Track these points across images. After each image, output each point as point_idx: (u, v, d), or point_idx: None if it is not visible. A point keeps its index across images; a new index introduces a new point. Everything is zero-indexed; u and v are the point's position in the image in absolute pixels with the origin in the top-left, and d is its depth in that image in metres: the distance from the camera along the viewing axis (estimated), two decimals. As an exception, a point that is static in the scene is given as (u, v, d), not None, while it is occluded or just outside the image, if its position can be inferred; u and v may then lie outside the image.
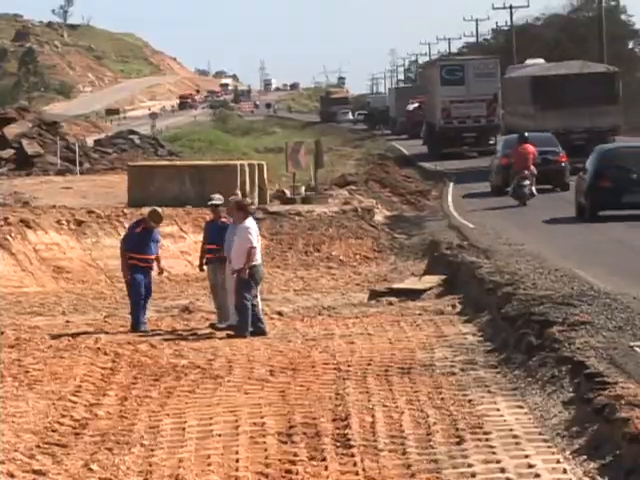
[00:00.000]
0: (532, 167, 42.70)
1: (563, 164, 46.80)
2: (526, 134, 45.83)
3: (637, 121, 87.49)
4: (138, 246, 22.00)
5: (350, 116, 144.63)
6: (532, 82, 61.37)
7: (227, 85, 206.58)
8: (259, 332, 20.84)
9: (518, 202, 42.07)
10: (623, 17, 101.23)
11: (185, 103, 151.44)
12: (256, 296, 21.31)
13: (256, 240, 21.37)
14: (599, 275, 23.00)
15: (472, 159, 66.82)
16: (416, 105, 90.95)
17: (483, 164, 56.12)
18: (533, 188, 42.35)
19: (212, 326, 21.62)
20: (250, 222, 21.52)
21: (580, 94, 56.56)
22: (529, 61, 75.59)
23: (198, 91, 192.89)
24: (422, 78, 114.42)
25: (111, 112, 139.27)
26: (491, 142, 60.03)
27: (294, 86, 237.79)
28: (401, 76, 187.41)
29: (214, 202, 22.44)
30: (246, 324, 20.86)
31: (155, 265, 22.30)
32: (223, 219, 22.02)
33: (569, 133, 52.41)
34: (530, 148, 43.75)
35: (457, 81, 70.87)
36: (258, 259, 21.30)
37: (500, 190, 45.71)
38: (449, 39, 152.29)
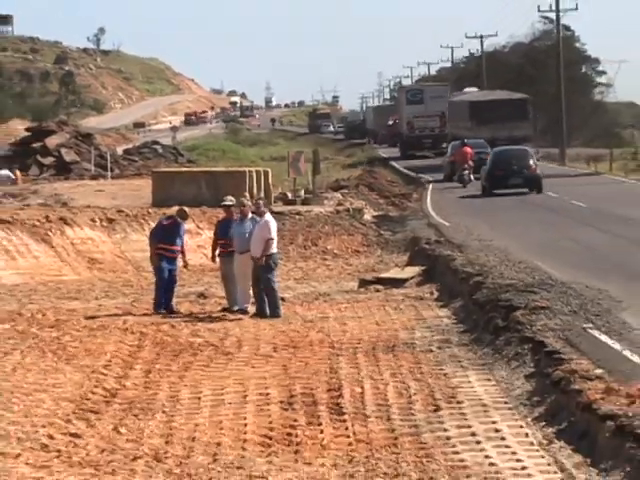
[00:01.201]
0: (470, 162, 52.40)
1: (533, 162, 50.08)
2: (466, 140, 56.09)
3: (591, 135, 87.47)
4: (165, 237, 21.97)
5: (331, 128, 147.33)
6: (470, 105, 72.09)
7: (236, 103, 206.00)
8: (263, 315, 20.86)
9: (462, 185, 51.78)
10: (577, 45, 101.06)
11: (190, 120, 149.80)
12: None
13: (274, 232, 21.43)
14: (562, 269, 22.98)
15: (430, 159, 74.42)
16: (394, 121, 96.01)
17: (436, 162, 65.82)
18: (471, 176, 51.77)
19: (224, 310, 21.60)
20: (269, 217, 21.61)
21: (502, 113, 67.10)
22: (467, 89, 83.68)
23: (212, 108, 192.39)
24: (394, 99, 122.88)
25: (138, 125, 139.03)
26: (443, 146, 67.14)
27: (301, 103, 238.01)
28: (387, 95, 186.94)
29: (226, 203, 22.41)
30: (277, 304, 20.95)
31: (180, 257, 22.31)
32: (233, 216, 22.02)
33: (495, 140, 59.41)
34: (469, 149, 53.62)
35: (418, 101, 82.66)
36: (274, 248, 21.37)
37: (449, 178, 55.88)
38: (428, 64, 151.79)
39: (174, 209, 23.53)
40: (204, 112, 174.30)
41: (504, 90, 79.91)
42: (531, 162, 48.26)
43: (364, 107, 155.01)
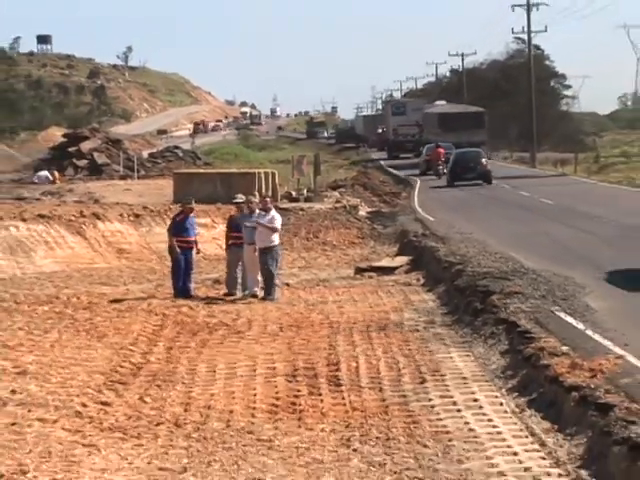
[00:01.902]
0: (442, 159, 58.78)
1: (484, 161, 55.63)
2: (438, 143, 61.72)
3: (558, 141, 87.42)
4: (180, 231, 21.95)
5: (325, 134, 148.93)
6: (438, 116, 77.95)
7: (246, 112, 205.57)
8: (272, 296, 20.85)
9: (437, 177, 57.53)
10: (547, 62, 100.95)
11: (198, 128, 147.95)
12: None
13: (279, 226, 21.44)
14: (532, 258, 22.98)
15: (410, 159, 77.13)
16: (381, 130, 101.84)
17: (414, 161, 71.01)
18: (444, 170, 56.67)
19: (225, 294, 21.47)
20: (274, 212, 21.59)
21: (464, 122, 73.24)
22: (437, 102, 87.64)
23: (226, 117, 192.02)
24: (383, 111, 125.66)
25: (161, 132, 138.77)
26: (420, 149, 69.47)
27: (306, 113, 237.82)
28: (379, 105, 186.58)
29: (237, 200, 22.41)
30: (273, 289, 20.91)
31: (195, 246, 22.30)
32: (243, 211, 22.00)
33: (459, 143, 62.49)
34: (441, 150, 59.86)
35: (401, 113, 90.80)
36: (276, 241, 21.33)
37: (424, 173, 61.93)
38: (415, 78, 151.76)
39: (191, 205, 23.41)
40: (219, 121, 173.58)
41: (467, 104, 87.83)
42: (483, 161, 54.20)
43: (355, 116, 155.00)
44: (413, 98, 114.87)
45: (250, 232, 21.15)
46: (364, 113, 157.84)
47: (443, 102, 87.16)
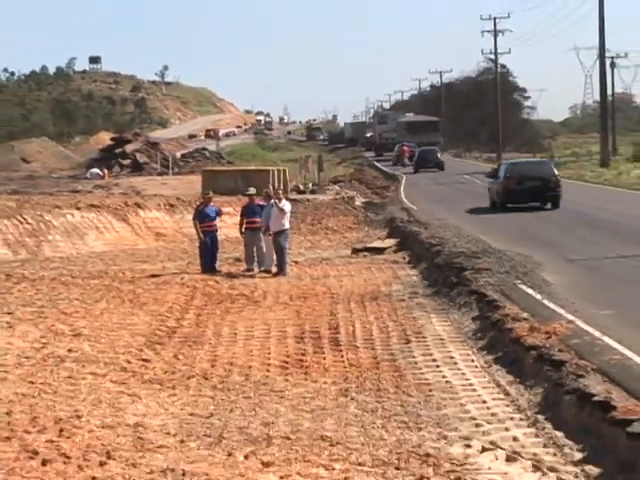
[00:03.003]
0: (407, 155, 67.79)
1: (438, 154, 65.82)
2: (403, 143, 72.08)
3: (520, 143, 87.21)
4: (202, 217, 21.88)
5: (321, 137, 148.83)
6: (406, 123, 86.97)
7: (260, 120, 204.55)
8: (284, 272, 20.86)
9: (403, 167, 64.49)
10: (510, 78, 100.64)
11: (209, 134, 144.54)
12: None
13: (289, 211, 21.44)
14: (499, 240, 22.97)
15: (388, 155, 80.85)
16: (370, 134, 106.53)
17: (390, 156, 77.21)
18: (407, 161, 65.93)
19: (245, 270, 21.44)
20: (285, 202, 21.62)
21: (424, 128, 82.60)
22: (407, 114, 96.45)
23: (245, 123, 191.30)
24: (371, 120, 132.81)
25: (191, 136, 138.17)
26: (396, 147, 75.79)
27: (315, 120, 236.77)
28: (371, 114, 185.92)
29: (249, 192, 22.36)
30: (285, 266, 20.90)
31: (217, 225, 22.15)
32: (258, 202, 21.93)
33: (420, 143, 71.25)
34: (405, 148, 70.09)
35: (384, 122, 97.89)
36: (287, 225, 21.29)
37: (395, 164, 69.26)
38: (402, 92, 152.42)
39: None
40: (238, 127, 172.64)
41: (445, 113, 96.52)
42: (438, 155, 64.77)
43: (344, 124, 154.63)
44: (399, 110, 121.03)
45: (266, 218, 21.14)
46: (351, 121, 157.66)
47: (411, 114, 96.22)
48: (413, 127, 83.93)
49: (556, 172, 33.03)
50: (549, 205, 31.50)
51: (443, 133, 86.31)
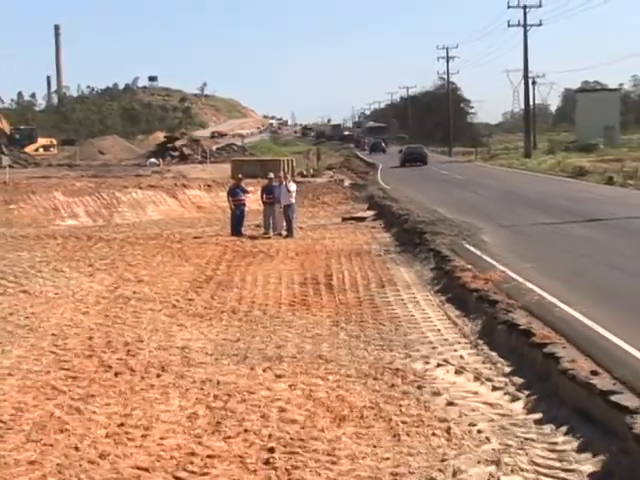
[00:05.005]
0: (366, 145, 79.88)
1: (383, 145, 78.43)
2: (365, 139, 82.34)
3: (465, 141, 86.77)
4: (233, 194, 21.76)
5: (312, 135, 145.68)
6: (368, 128, 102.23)
7: (272, 123, 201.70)
8: (292, 235, 20.77)
9: (363, 151, 74.64)
10: (459, 92, 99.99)
11: (214, 135, 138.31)
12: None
13: (294, 190, 21.33)
14: (450, 212, 22.86)
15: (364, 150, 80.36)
16: (347, 132, 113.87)
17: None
18: (366, 148, 77.16)
19: (264, 234, 21.36)
20: (291, 183, 21.57)
21: (377, 130, 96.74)
22: (370, 122, 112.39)
23: (263, 125, 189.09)
24: (353, 125, 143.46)
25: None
26: (361, 141, 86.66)
27: (314, 123, 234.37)
28: (356, 118, 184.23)
29: (269, 176, 22.22)
30: (293, 230, 20.80)
31: (246, 201, 21.99)
32: (274, 183, 21.81)
33: (376, 139, 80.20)
34: (365, 141, 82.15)
35: (359, 127, 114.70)
36: (293, 200, 21.17)
37: (358, 148, 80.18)
38: (379, 102, 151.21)
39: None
40: (258, 128, 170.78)
41: (412, 118, 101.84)
42: (383, 145, 77.17)
43: (325, 126, 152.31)
44: (377, 116, 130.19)
45: (278, 195, 21.04)
46: (331, 124, 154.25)
47: (372, 122, 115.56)
48: (372, 130, 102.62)
49: (426, 150, 56.70)
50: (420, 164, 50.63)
51: (389, 133, 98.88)
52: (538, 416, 7.05)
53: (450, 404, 7.46)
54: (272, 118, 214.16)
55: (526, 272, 12.68)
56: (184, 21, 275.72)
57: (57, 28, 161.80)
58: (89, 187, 29.88)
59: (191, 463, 6.12)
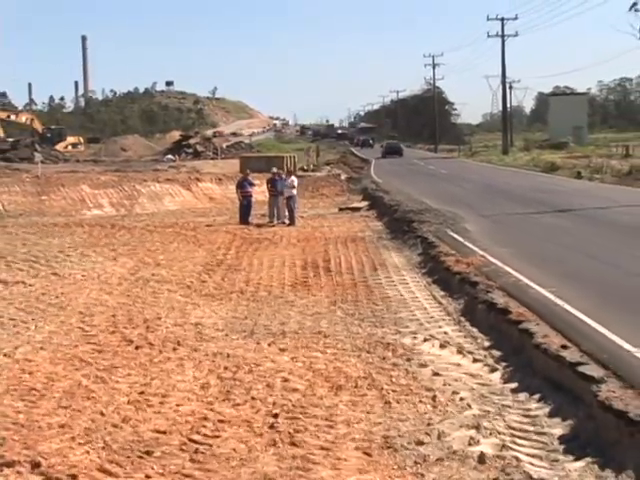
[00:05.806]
0: (360, 141, 79.84)
1: (371, 141, 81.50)
2: (357, 137, 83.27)
3: (449, 139, 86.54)
4: (242, 187, 21.72)
5: (309, 133, 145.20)
6: (359, 128, 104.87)
7: (276, 124, 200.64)
8: (294, 223, 20.72)
9: (356, 146, 76.74)
10: (443, 95, 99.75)
11: (214, 135, 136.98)
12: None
13: (296, 183, 21.19)
14: (435, 203, 22.81)
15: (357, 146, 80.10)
16: (340, 132, 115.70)
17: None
18: (359, 144, 77.66)
19: (269, 222, 21.33)
20: (293, 177, 21.45)
21: (366, 130, 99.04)
22: (361, 123, 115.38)
23: (268, 124, 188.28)
24: (348, 126, 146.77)
25: (232, 134, 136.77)
26: (355, 138, 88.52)
27: (313, 124, 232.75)
28: (352, 119, 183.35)
29: (273, 170, 22.18)
30: (294, 219, 20.72)
31: (253, 193, 21.86)
32: (277, 177, 21.74)
33: (365, 137, 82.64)
34: (358, 139, 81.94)
35: (354, 127, 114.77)
36: (295, 192, 21.07)
37: (352, 144, 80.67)
38: (372, 104, 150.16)
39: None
40: (264, 127, 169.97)
41: (400, 119, 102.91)
42: (371, 142, 78.98)
43: (320, 125, 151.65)
44: (370, 117, 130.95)
45: (282, 188, 20.98)
46: (325, 124, 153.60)
47: (363, 123, 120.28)
48: (363, 129, 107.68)
49: (402, 146, 61.97)
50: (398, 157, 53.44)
51: (377, 132, 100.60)
52: (514, 385, 7.06)
53: (435, 374, 7.47)
54: (276, 119, 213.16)
55: (504, 257, 12.66)
56: (198, 33, 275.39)
57: (84, 39, 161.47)
58: (112, 180, 29.81)
59: (204, 427, 6.14)
